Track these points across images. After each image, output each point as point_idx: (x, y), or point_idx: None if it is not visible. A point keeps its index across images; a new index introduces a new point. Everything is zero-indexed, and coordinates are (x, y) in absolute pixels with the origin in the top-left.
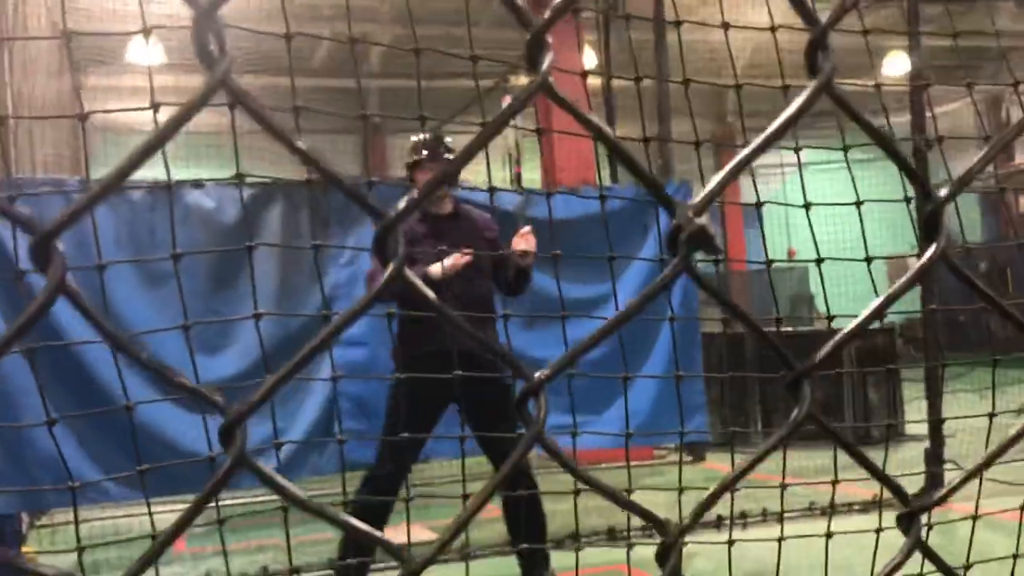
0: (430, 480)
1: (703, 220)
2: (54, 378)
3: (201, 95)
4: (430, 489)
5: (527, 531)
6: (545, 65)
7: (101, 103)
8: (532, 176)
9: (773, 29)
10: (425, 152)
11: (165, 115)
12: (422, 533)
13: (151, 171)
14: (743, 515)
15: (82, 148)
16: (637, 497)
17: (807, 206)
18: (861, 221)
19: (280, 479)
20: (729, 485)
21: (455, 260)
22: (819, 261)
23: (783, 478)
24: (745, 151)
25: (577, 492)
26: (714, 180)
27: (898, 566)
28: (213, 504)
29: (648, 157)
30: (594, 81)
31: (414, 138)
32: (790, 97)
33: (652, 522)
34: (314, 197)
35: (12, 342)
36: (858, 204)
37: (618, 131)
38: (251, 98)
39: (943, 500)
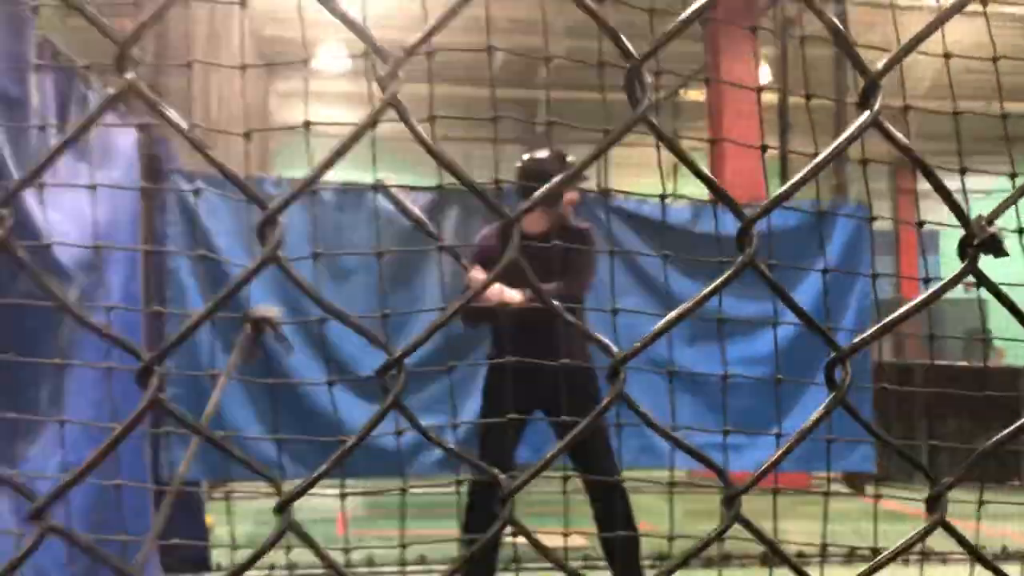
0: (579, 488)
1: (994, 228)
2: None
3: (375, 111)
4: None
5: (621, 550)
6: (645, 101)
7: (291, 107)
8: (701, 191)
9: (947, 56)
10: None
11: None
12: (575, 539)
13: (342, 174)
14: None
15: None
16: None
17: (1021, 231)
18: None
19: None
20: (750, 484)
21: (507, 297)
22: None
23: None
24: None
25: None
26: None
27: (919, 540)
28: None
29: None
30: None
31: (526, 156)
32: (963, 120)
33: (718, 473)
34: (480, 193)
35: (227, 299)
36: None
37: (792, 146)
38: (410, 118)
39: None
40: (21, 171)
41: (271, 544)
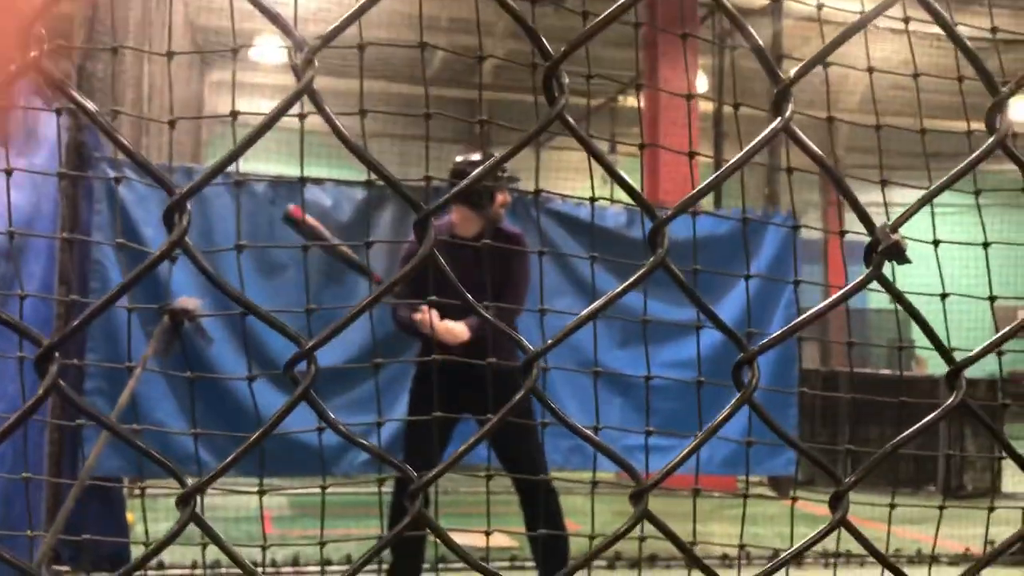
0: (453, 491)
1: (897, 236)
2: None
3: (286, 100)
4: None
5: (549, 550)
6: (562, 100)
7: (226, 97)
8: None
9: (871, 70)
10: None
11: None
12: (498, 538)
13: (273, 167)
14: (826, 552)
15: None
16: (715, 528)
17: (936, 243)
18: (988, 263)
19: None
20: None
21: (454, 334)
22: (944, 296)
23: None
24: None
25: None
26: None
27: (820, 539)
28: (303, 489)
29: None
30: (708, 105)
31: (459, 158)
32: (890, 135)
33: (626, 469)
34: (403, 195)
35: (129, 288)
36: (986, 245)
37: (728, 154)
38: (325, 107)
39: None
40: None
41: (172, 537)
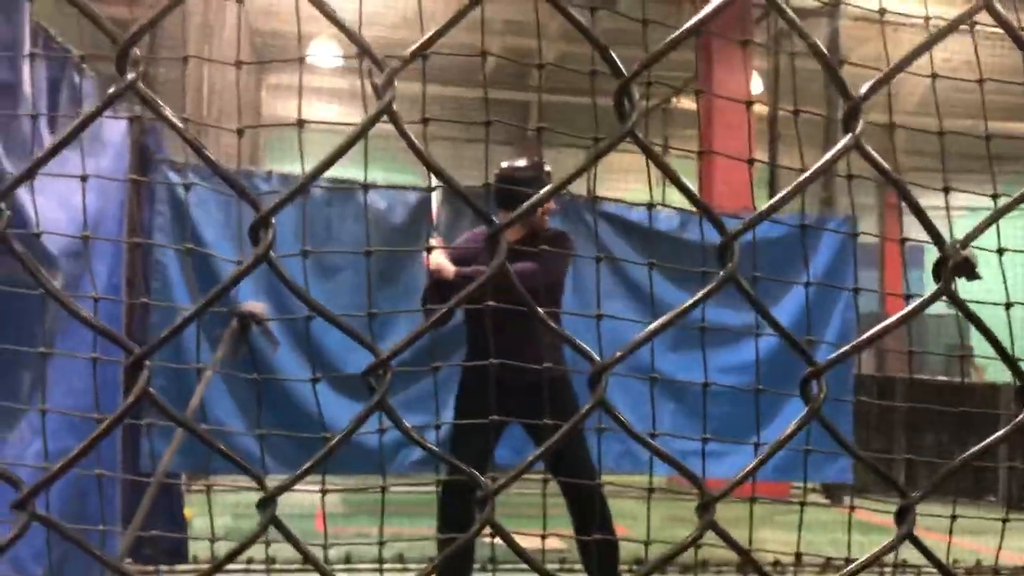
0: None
1: (967, 252)
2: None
3: (370, 118)
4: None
5: (598, 554)
6: (634, 116)
7: (283, 100)
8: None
9: (934, 76)
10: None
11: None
12: (551, 541)
13: (332, 170)
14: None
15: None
16: (767, 534)
17: (1000, 252)
18: None
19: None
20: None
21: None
22: (1008, 306)
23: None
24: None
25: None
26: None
27: (886, 552)
28: (359, 487)
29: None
30: (762, 107)
31: (505, 164)
32: (951, 137)
33: (692, 480)
34: (471, 201)
35: (218, 298)
36: None
37: (783, 160)
38: (402, 124)
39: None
40: (12, 159)
41: (255, 538)
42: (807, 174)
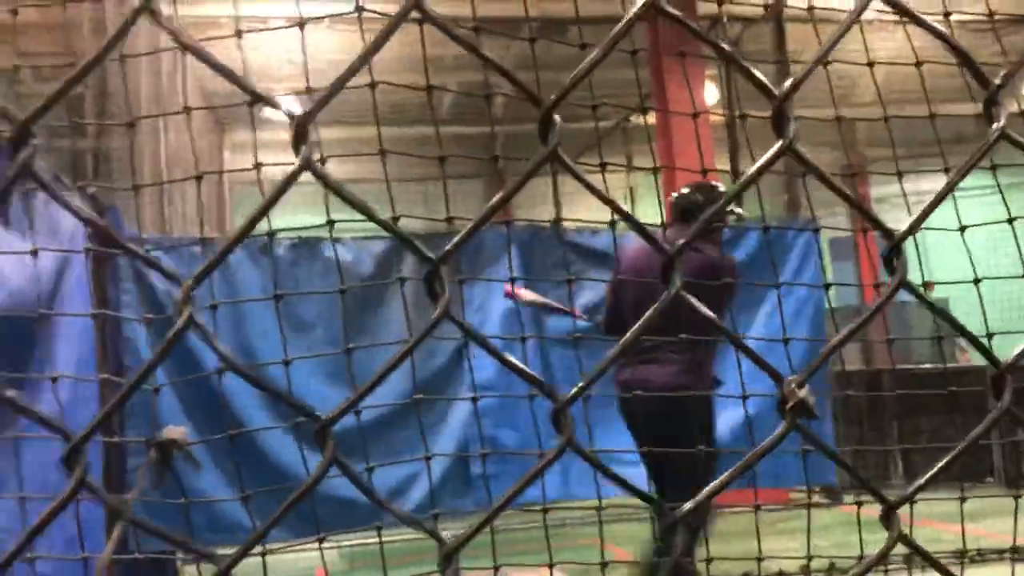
0: (561, 521)
1: (804, 392)
2: (206, 418)
3: (287, 178)
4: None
5: None
6: (553, 140)
7: (243, 158)
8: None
9: (871, 64)
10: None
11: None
12: (557, 574)
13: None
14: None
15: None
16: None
17: (962, 229)
18: (1019, 245)
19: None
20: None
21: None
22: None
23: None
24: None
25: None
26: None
27: (878, 561)
28: (357, 541)
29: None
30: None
31: (685, 190)
32: (914, 124)
33: (648, 501)
34: (410, 241)
35: (154, 366)
36: (1010, 221)
37: (743, 164)
38: (331, 178)
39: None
40: None
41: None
42: (737, 186)
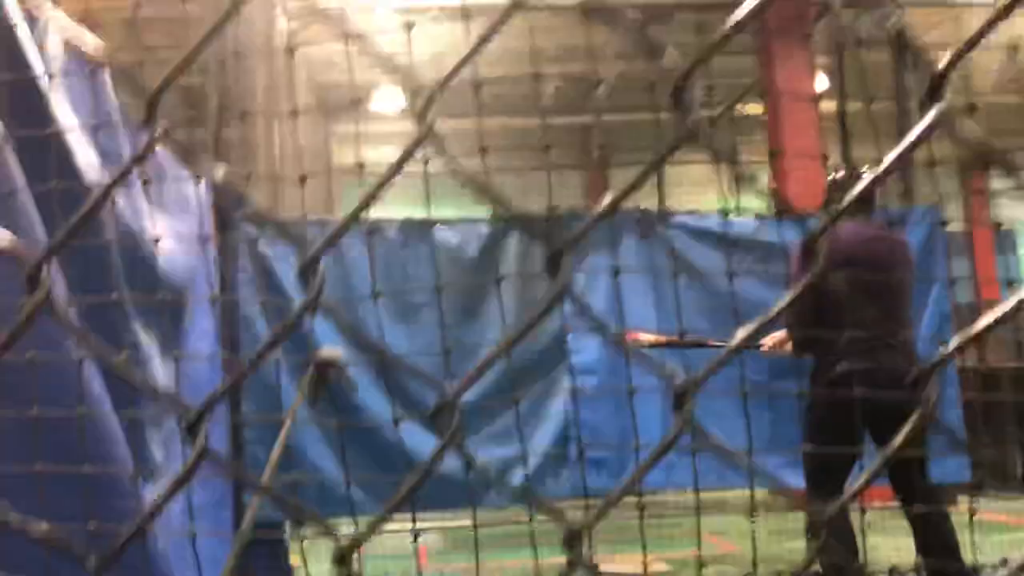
0: (661, 512)
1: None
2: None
3: (409, 147)
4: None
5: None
6: (693, 114)
7: (350, 149)
8: (760, 205)
9: (1016, 49)
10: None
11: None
12: (656, 564)
13: (407, 210)
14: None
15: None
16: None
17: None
18: None
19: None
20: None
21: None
22: None
23: None
24: None
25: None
26: None
27: None
28: (454, 523)
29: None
30: (830, 104)
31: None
32: None
33: (554, 515)
34: (546, 229)
35: (276, 344)
36: None
37: (856, 153)
38: (444, 147)
39: None
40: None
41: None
42: (890, 156)
